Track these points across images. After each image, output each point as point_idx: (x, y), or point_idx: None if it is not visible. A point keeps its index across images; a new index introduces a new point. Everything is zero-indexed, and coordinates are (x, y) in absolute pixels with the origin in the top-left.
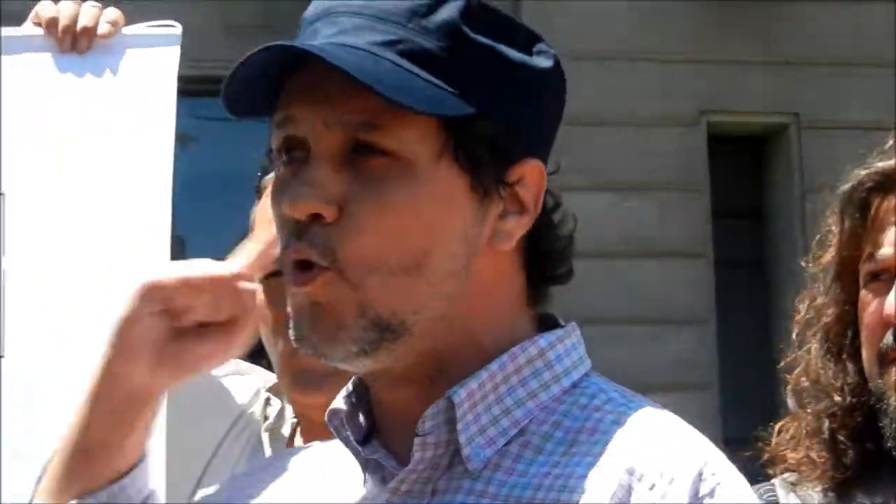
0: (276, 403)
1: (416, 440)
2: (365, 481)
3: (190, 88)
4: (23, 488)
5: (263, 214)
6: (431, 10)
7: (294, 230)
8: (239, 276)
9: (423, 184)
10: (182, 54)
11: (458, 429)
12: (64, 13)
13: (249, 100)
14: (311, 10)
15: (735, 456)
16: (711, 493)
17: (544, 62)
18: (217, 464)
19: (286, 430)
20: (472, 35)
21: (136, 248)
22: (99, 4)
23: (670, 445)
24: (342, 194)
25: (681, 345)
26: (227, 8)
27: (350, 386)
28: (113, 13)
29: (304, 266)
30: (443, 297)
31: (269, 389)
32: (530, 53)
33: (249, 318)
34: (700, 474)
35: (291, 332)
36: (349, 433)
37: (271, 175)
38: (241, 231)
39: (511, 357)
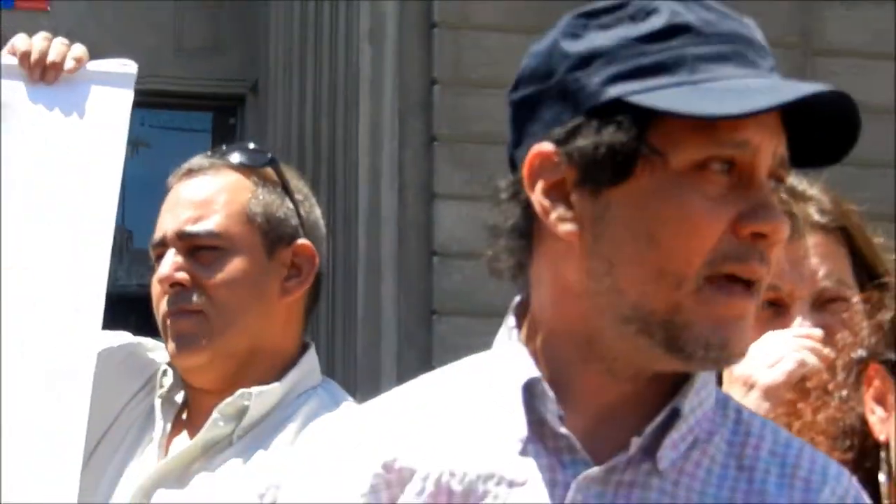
0: (170, 374)
1: (634, 440)
2: (526, 453)
3: (143, 101)
4: None
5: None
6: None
7: (748, 250)
8: None
9: None
10: (139, 72)
11: (669, 433)
12: (36, 48)
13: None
14: (710, 26)
15: None
16: None
17: None
18: (117, 426)
19: (179, 399)
20: None
21: (82, 243)
22: (67, 42)
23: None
24: None
25: None
26: (178, 32)
27: (531, 360)
28: (78, 50)
29: (739, 281)
30: None
31: (168, 362)
32: None
33: None
34: None
35: (709, 345)
36: (555, 406)
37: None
38: None
39: None
